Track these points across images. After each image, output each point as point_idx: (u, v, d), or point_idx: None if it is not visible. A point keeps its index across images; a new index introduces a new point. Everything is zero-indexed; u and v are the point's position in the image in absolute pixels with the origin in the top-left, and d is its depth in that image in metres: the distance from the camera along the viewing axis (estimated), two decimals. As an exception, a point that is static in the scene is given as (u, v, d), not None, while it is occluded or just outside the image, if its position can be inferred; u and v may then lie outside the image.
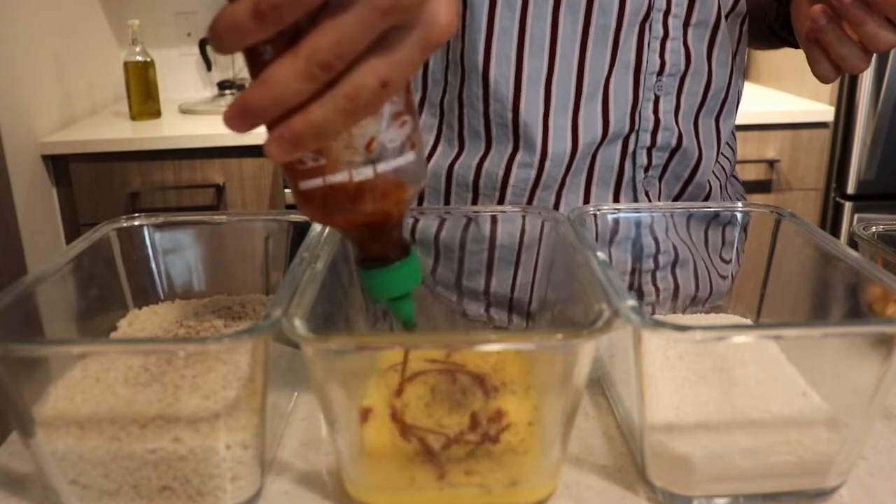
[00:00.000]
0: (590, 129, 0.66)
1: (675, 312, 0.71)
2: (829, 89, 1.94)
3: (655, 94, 0.67)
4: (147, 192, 1.84)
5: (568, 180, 0.68)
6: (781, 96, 2.10)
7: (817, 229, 0.53)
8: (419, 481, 0.43)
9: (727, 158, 0.77)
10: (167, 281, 0.58)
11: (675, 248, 0.70)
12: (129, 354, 0.46)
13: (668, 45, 0.66)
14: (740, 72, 0.72)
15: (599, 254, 0.47)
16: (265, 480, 0.45)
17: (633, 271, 0.69)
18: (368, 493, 0.44)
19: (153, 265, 0.58)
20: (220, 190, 1.85)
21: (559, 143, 0.66)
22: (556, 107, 0.66)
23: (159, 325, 0.54)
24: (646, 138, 0.68)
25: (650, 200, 0.71)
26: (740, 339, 0.41)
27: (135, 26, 1.97)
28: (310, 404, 0.54)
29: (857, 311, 0.47)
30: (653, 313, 0.70)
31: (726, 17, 0.68)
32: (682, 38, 0.66)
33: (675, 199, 0.72)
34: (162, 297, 0.58)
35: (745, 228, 0.62)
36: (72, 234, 1.88)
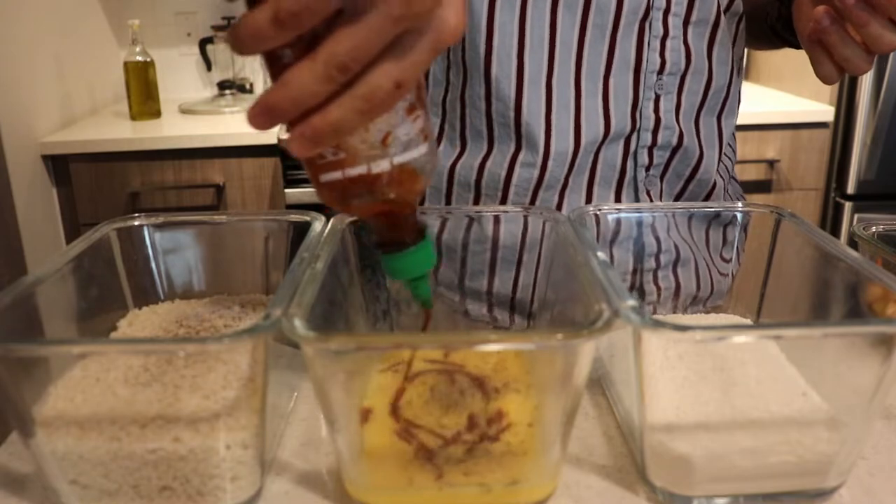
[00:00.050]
0: (591, 128, 0.67)
1: (676, 312, 0.71)
2: (830, 89, 1.94)
3: (656, 93, 0.67)
4: (147, 192, 1.84)
5: (570, 180, 0.68)
6: (781, 96, 2.10)
7: (817, 229, 0.53)
8: (419, 481, 0.43)
9: (728, 159, 0.77)
10: (167, 281, 0.58)
11: (676, 247, 0.70)
12: (129, 354, 0.46)
13: (668, 43, 0.66)
14: (739, 71, 0.73)
15: (599, 254, 0.47)
16: (265, 480, 0.45)
17: (634, 271, 0.69)
18: (368, 493, 0.44)
19: (153, 265, 0.58)
20: (220, 190, 1.85)
21: (561, 142, 0.67)
22: (557, 106, 0.66)
23: (159, 325, 0.54)
24: (647, 137, 0.68)
25: (651, 199, 0.71)
26: (740, 339, 0.41)
27: (135, 26, 1.97)
28: (310, 404, 0.54)
29: (857, 311, 0.47)
30: (654, 313, 0.70)
31: (724, 14, 0.68)
32: (682, 37, 0.66)
33: (677, 197, 0.73)
34: (162, 297, 0.58)
35: (745, 228, 0.62)
36: (72, 234, 1.88)
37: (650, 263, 0.69)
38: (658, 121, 0.68)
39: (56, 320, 0.50)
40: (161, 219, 0.57)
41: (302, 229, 0.53)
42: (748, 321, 0.59)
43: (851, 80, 1.90)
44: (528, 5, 0.63)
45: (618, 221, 0.63)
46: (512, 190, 0.69)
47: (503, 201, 0.69)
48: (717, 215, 0.70)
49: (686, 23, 0.66)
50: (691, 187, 0.72)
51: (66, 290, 0.50)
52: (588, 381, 0.43)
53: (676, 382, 0.46)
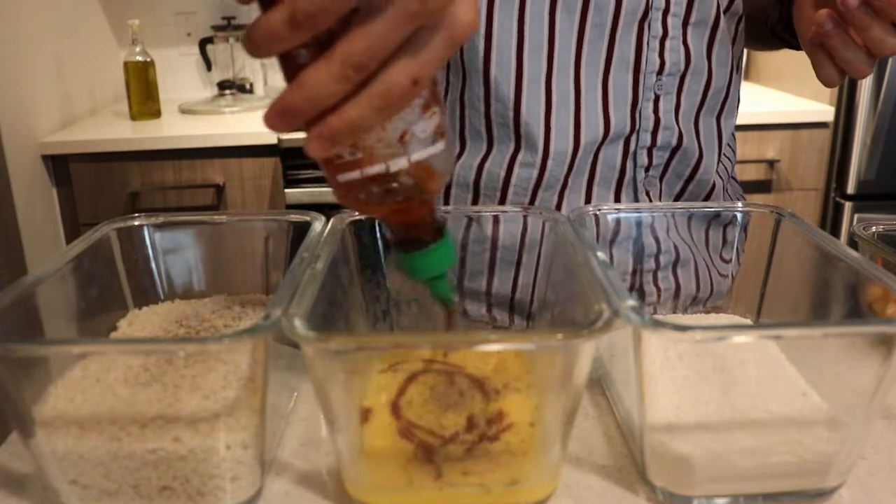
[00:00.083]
0: (591, 128, 0.67)
1: (676, 312, 0.71)
2: (830, 89, 1.94)
3: (655, 94, 0.67)
4: (147, 192, 1.84)
5: (570, 180, 0.68)
6: (781, 96, 2.10)
7: (817, 229, 0.53)
8: (419, 481, 0.43)
9: (728, 159, 0.77)
10: (167, 281, 0.58)
11: (676, 247, 0.70)
12: (129, 354, 0.46)
13: (668, 44, 0.66)
14: (739, 71, 0.73)
15: (599, 254, 0.47)
16: (265, 480, 0.45)
17: (634, 271, 0.69)
18: (368, 493, 0.44)
19: (153, 265, 0.58)
20: (220, 190, 1.85)
21: (561, 143, 0.66)
22: (557, 106, 0.66)
23: (159, 325, 0.54)
24: (646, 138, 0.68)
25: (651, 200, 0.71)
26: (740, 339, 0.41)
27: (135, 26, 1.97)
28: (310, 404, 0.54)
29: (857, 311, 0.47)
30: (654, 313, 0.70)
31: (724, 14, 0.68)
32: (681, 37, 0.66)
33: (677, 198, 0.73)
34: (162, 297, 0.58)
35: (745, 228, 0.62)
36: (72, 234, 1.88)
37: (650, 264, 0.69)
38: (657, 121, 0.68)
39: (56, 320, 0.50)
40: (161, 219, 0.57)
41: (302, 229, 0.53)
42: (748, 321, 0.59)
43: (852, 80, 1.88)
44: (527, 6, 0.63)
45: (617, 222, 0.63)
46: (511, 190, 0.69)
47: (502, 201, 0.69)
48: (717, 215, 0.70)
49: (685, 23, 0.66)
50: (691, 188, 0.72)
51: (66, 290, 0.50)
52: (588, 381, 0.43)
53: (676, 382, 0.46)
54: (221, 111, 2.04)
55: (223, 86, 2.15)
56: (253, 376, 0.42)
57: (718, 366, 0.47)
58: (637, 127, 0.68)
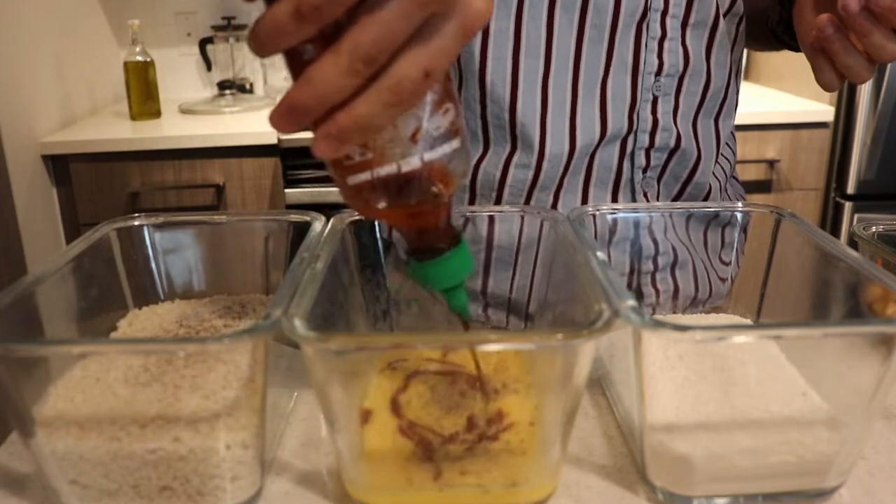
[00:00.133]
0: (588, 129, 0.66)
1: (674, 313, 0.71)
2: (830, 89, 1.93)
3: (654, 95, 0.67)
4: (147, 192, 1.84)
5: (566, 181, 0.68)
6: (781, 96, 2.10)
7: (817, 229, 0.53)
8: (419, 482, 0.43)
9: (727, 159, 0.77)
10: (167, 281, 0.58)
11: (674, 249, 0.70)
12: (129, 354, 0.46)
13: (666, 45, 0.66)
14: (738, 72, 0.72)
15: (599, 254, 0.47)
16: (265, 480, 0.45)
17: (632, 273, 0.69)
18: (368, 493, 0.44)
19: (153, 265, 0.58)
20: (220, 190, 1.85)
21: (557, 144, 0.66)
22: (553, 107, 0.66)
23: (159, 325, 0.54)
24: (644, 139, 0.68)
25: (648, 201, 0.71)
26: (740, 339, 0.41)
27: (135, 26, 1.97)
28: (310, 404, 0.54)
29: (857, 311, 0.47)
30: (653, 315, 0.70)
31: (724, 16, 0.68)
32: (680, 39, 0.66)
33: (674, 199, 0.72)
34: (162, 297, 0.58)
35: (744, 229, 0.62)
36: (72, 234, 1.89)
37: (648, 266, 0.69)
38: (656, 122, 0.68)
39: (56, 320, 0.49)
40: (161, 219, 0.57)
41: (302, 229, 0.53)
42: (748, 321, 0.59)
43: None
44: (525, 7, 0.63)
45: (615, 222, 0.63)
46: (506, 190, 0.69)
47: (498, 202, 0.69)
48: (716, 216, 0.70)
49: (684, 24, 0.66)
50: (689, 190, 0.72)
51: (66, 290, 0.50)
52: (588, 381, 0.43)
53: (676, 382, 0.46)
54: (221, 111, 2.04)
55: (223, 86, 2.15)
56: (253, 376, 0.42)
57: (718, 366, 0.47)
58: (635, 128, 0.68)
